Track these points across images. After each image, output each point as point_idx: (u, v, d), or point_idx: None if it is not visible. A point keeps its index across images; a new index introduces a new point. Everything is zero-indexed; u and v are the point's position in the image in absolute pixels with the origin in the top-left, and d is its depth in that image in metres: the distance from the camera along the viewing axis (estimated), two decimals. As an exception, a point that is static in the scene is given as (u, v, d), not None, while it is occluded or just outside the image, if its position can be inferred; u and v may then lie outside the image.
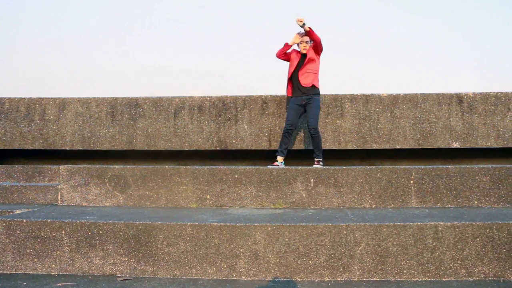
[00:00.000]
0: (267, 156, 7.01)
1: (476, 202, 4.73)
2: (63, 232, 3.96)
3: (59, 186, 5.07)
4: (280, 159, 6.12)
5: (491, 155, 6.93)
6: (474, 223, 3.78)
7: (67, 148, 7.01)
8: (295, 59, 6.22)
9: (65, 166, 5.09)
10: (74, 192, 5.04)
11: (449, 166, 4.84)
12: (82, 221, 3.99)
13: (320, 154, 6.06)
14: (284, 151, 6.12)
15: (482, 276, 3.70)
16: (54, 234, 3.96)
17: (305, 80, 6.09)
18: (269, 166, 5.10)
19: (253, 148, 6.78)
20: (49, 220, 3.99)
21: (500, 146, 6.66)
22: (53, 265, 3.94)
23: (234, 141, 6.78)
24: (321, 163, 6.06)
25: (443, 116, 6.74)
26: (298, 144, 6.76)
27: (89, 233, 3.95)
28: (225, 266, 3.80)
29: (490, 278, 3.68)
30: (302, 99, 6.12)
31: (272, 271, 3.76)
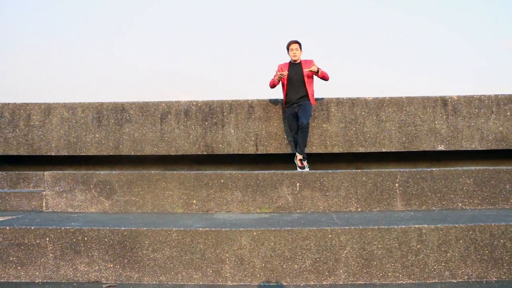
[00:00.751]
0: (254, 161, 7.03)
1: (460, 204, 4.77)
2: (48, 239, 3.93)
3: (44, 192, 5.04)
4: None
5: (475, 157, 7.00)
6: (457, 225, 3.82)
7: (53, 154, 6.96)
8: (288, 72, 6.28)
9: (50, 172, 5.06)
10: (59, 198, 5.01)
11: (434, 169, 4.89)
12: (67, 227, 3.97)
13: (303, 150, 6.13)
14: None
15: (465, 278, 3.73)
16: (38, 241, 3.92)
17: (298, 94, 6.26)
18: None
19: (239, 153, 6.79)
20: (33, 227, 3.96)
21: (484, 149, 6.74)
22: (37, 273, 3.90)
23: (220, 145, 6.78)
24: (305, 163, 6.11)
25: (428, 119, 6.80)
26: (285, 148, 6.78)
27: (74, 240, 3.93)
28: (210, 271, 3.80)
29: (473, 280, 3.72)
30: (294, 107, 6.29)
31: (258, 275, 3.77)
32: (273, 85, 6.36)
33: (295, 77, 6.22)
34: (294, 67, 6.22)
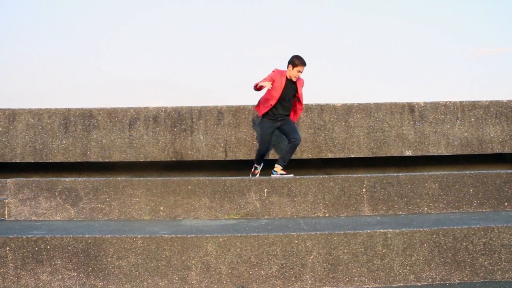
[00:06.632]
0: (224, 167, 7.01)
1: (426, 208, 4.84)
2: (8, 248, 3.82)
3: (7, 200, 4.91)
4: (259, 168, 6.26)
5: (442, 162, 7.13)
6: (422, 229, 3.88)
7: (18, 161, 6.80)
8: (280, 84, 5.75)
9: (13, 179, 4.94)
10: (23, 206, 4.89)
11: (400, 174, 4.95)
12: (29, 236, 3.87)
13: (287, 162, 6.00)
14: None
15: (429, 281, 3.79)
16: (-2, 250, 3.82)
17: (293, 117, 6.04)
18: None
19: (209, 159, 6.76)
20: (-8, 236, 3.85)
21: (450, 154, 6.86)
22: (-3, 283, 3.80)
23: (190, 152, 6.74)
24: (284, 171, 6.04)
25: (396, 125, 6.90)
26: (254, 154, 6.77)
27: (36, 249, 3.84)
28: (176, 278, 3.76)
29: (437, 283, 3.78)
30: (277, 121, 5.92)
31: (224, 282, 3.74)
32: (259, 89, 5.75)
33: (289, 95, 5.82)
34: (291, 83, 5.81)
